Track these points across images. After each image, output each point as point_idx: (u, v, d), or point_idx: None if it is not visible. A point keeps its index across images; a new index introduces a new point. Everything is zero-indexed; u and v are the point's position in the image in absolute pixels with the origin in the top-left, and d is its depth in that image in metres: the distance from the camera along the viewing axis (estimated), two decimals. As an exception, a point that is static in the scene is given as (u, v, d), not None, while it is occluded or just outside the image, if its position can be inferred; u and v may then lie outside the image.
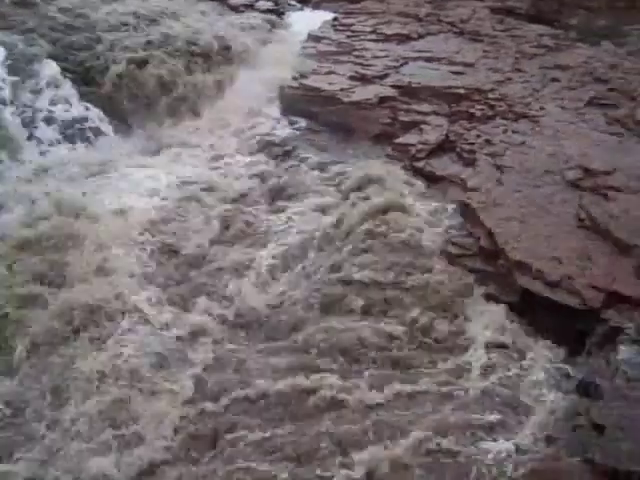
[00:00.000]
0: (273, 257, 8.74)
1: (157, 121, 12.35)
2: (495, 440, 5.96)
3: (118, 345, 7.05)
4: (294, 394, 6.59)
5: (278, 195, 10.27)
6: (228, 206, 9.88)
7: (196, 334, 7.48)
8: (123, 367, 6.75)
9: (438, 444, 5.91)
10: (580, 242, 7.80)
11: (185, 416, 6.45)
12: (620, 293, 6.99)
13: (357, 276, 7.98)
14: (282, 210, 9.87)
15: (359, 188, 9.71)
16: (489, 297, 7.63)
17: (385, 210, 8.92)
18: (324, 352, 7.11)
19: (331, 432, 6.11)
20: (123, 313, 7.51)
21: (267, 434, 6.17)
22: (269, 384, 6.68)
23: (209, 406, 6.56)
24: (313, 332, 7.35)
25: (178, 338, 7.38)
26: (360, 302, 7.69)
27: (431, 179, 10.11)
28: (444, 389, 6.64)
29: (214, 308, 7.91)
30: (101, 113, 12.01)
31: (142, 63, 12.62)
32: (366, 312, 7.62)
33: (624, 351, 6.35)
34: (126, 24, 13.63)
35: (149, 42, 13.10)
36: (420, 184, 9.96)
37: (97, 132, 11.79)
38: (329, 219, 9.26)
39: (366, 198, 9.28)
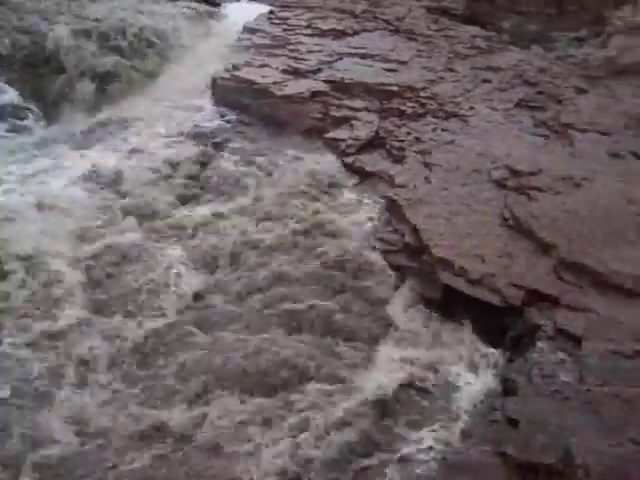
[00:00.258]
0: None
1: (79, 110, 12.01)
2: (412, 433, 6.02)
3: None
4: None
5: (200, 188, 10.07)
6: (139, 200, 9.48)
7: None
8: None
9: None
10: (503, 241, 7.91)
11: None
12: (540, 291, 7.10)
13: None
14: (201, 203, 9.66)
15: (288, 183, 9.73)
16: (412, 293, 7.66)
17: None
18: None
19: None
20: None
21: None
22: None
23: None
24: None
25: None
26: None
27: (361, 175, 10.13)
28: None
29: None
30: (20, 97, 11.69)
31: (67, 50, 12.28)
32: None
33: (540, 348, 6.46)
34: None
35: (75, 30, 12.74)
36: (349, 179, 9.99)
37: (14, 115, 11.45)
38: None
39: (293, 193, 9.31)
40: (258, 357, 6.71)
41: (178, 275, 7.92)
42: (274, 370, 6.59)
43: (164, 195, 9.53)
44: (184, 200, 9.59)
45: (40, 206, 8.67)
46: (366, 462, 5.75)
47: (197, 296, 7.71)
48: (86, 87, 12.33)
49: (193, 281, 7.89)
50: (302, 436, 5.90)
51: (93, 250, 8.13)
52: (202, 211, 9.28)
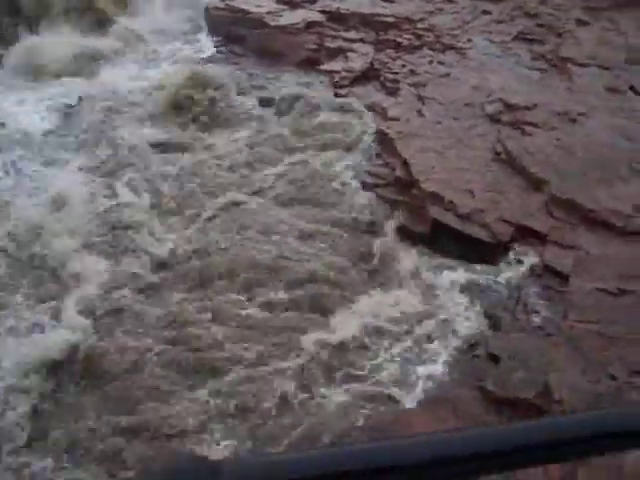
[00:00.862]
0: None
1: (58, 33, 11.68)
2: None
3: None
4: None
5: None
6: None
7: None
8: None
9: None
10: (494, 176, 7.81)
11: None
12: (529, 227, 7.04)
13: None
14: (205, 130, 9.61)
15: (282, 112, 9.61)
16: (401, 227, 7.59)
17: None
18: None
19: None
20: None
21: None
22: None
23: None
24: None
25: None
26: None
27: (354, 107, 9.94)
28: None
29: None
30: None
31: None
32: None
33: (527, 284, 6.43)
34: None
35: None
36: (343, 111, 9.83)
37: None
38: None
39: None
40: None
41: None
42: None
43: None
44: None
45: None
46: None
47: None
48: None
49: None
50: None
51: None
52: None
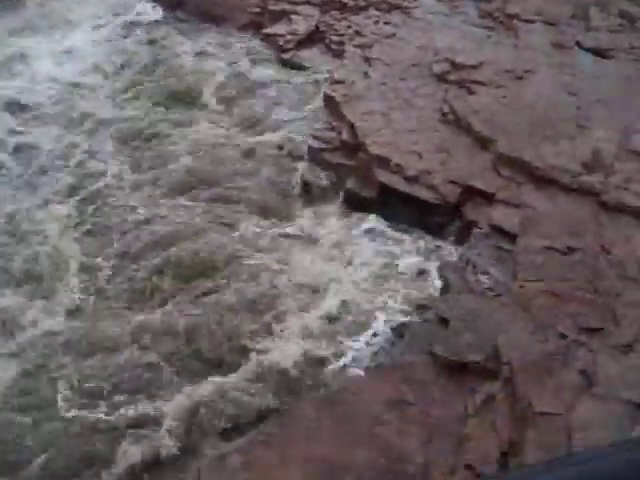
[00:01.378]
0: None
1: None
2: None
3: None
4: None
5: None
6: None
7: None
8: None
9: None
10: (441, 137, 7.69)
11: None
12: (476, 188, 6.96)
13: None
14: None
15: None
16: (348, 192, 7.46)
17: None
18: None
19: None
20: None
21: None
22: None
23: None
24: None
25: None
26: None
27: (299, 69, 9.74)
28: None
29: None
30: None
31: None
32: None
33: (475, 245, 6.36)
34: None
35: None
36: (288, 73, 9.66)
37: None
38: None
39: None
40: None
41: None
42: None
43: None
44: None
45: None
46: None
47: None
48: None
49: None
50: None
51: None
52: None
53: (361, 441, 4.52)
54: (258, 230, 7.15)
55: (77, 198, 7.59)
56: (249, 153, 8.18)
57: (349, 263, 6.79)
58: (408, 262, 6.77)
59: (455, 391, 4.91)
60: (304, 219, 7.36)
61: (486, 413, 4.55)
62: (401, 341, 5.80)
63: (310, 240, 7.07)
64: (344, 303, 6.32)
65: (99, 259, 6.82)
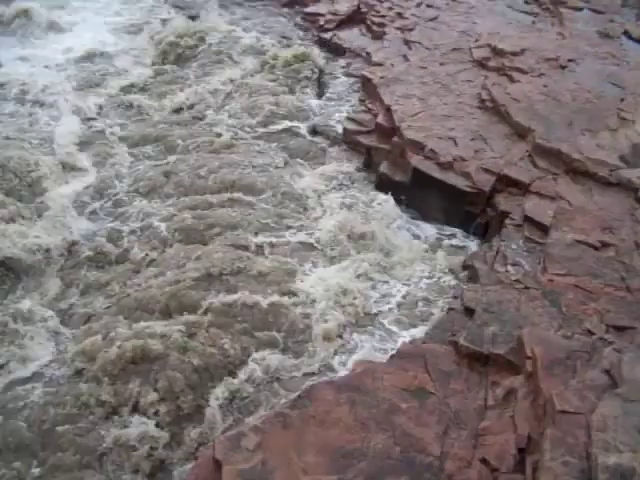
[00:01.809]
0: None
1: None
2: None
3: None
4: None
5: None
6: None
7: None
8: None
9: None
10: (478, 124, 7.58)
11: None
12: (511, 177, 6.83)
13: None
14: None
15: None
16: (381, 176, 7.38)
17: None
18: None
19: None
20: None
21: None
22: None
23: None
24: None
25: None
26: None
27: (338, 51, 9.65)
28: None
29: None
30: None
31: None
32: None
33: (507, 236, 6.24)
34: None
35: None
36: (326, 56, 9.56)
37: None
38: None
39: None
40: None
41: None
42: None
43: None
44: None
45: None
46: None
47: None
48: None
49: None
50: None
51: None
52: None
53: (378, 428, 4.46)
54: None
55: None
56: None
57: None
58: (435, 247, 6.71)
59: (476, 383, 4.82)
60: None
61: (506, 407, 4.46)
62: (425, 329, 5.74)
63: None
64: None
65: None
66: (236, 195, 7.10)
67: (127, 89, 9.17)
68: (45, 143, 7.86)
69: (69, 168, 7.60)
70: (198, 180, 7.27)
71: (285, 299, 5.98)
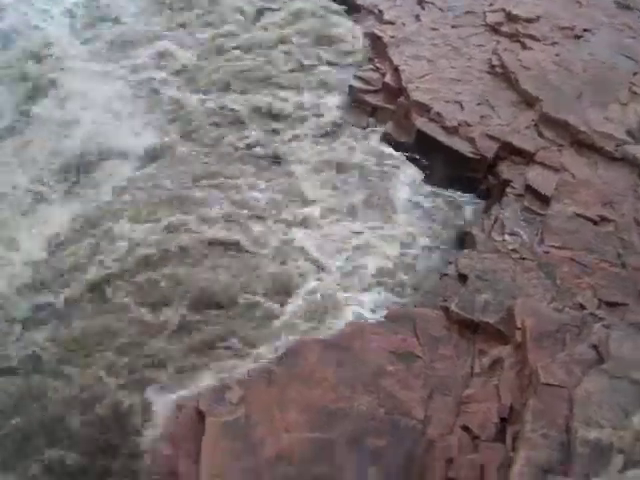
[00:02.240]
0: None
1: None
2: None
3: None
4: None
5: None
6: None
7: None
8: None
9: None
10: (486, 89, 7.47)
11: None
12: (515, 146, 6.75)
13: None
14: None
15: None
16: (385, 136, 7.31)
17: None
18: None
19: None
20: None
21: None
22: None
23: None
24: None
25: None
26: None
27: (350, 7, 9.45)
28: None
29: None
30: None
31: None
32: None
33: (507, 204, 6.19)
34: None
35: None
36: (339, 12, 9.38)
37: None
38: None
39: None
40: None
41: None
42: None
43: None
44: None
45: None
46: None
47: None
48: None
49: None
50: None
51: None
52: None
53: (363, 390, 4.48)
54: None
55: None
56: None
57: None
58: (433, 213, 6.67)
59: (464, 350, 4.83)
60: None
61: (491, 376, 4.46)
62: (417, 293, 5.74)
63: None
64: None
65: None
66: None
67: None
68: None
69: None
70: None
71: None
